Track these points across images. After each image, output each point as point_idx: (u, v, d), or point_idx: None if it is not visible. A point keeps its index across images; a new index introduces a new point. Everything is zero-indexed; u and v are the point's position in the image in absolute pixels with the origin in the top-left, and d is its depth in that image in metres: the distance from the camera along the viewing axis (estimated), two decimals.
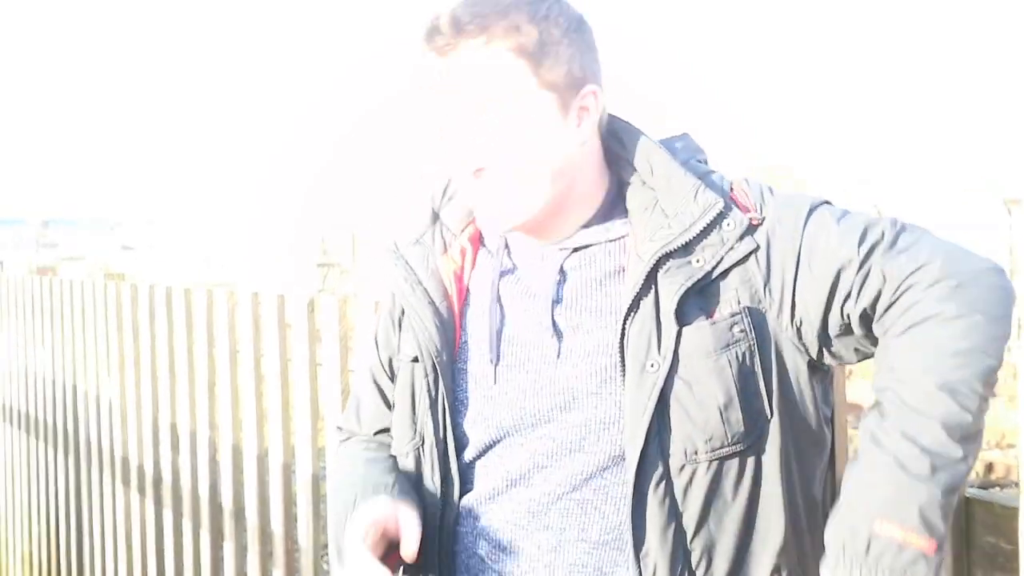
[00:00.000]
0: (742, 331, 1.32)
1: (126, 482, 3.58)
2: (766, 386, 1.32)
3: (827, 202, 1.36)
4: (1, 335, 4.77)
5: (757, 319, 1.32)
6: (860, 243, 1.29)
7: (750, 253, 1.33)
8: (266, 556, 2.83)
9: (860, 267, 1.28)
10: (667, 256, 1.32)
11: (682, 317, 1.32)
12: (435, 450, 1.43)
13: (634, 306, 1.33)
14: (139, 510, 3.49)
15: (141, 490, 3.47)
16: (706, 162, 1.46)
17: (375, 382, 1.61)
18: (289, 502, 2.73)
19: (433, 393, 1.43)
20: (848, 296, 1.29)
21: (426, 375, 1.44)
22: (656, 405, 1.30)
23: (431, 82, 1.35)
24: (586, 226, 1.40)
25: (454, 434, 1.42)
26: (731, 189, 1.37)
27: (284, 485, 2.72)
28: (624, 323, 1.33)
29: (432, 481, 1.43)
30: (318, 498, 2.60)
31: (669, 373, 1.31)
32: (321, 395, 2.54)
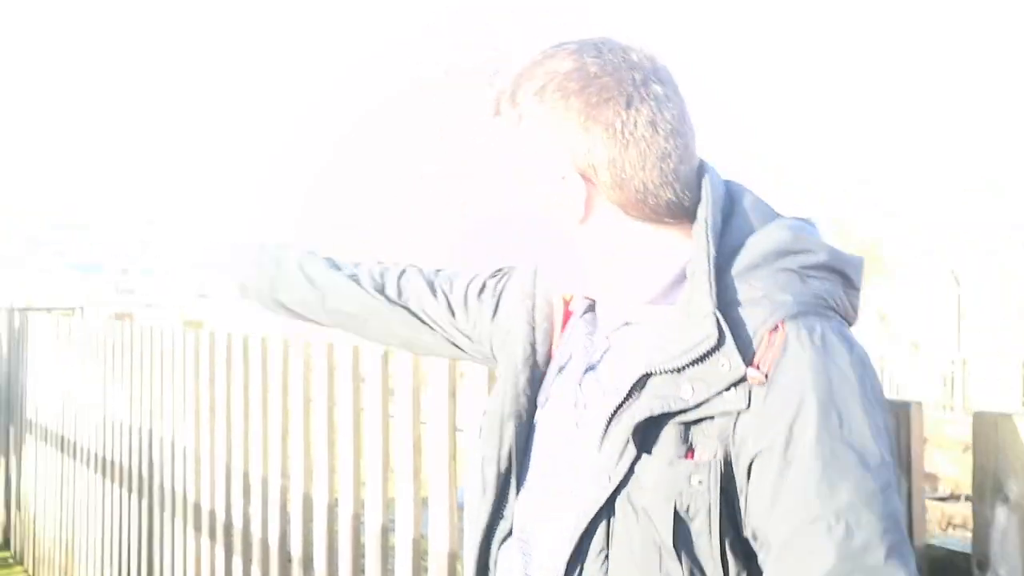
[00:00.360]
0: (702, 483, 1.16)
1: (197, 527, 3.63)
2: (723, 551, 1.17)
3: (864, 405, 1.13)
4: (79, 379, 4.89)
5: (730, 479, 1.17)
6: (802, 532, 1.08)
7: (737, 411, 1.16)
8: None
9: (780, 547, 1.11)
10: (651, 376, 1.20)
11: (646, 442, 1.20)
12: (497, 465, 1.40)
13: (621, 410, 1.23)
14: (209, 556, 3.53)
15: (212, 536, 3.51)
16: (823, 268, 1.23)
17: (437, 277, 1.69)
18: (357, 553, 2.74)
19: (509, 413, 1.40)
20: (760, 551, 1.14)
21: (508, 384, 1.42)
22: (602, 517, 1.21)
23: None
24: (652, 302, 1.29)
25: (519, 458, 1.39)
26: (775, 328, 1.16)
27: (353, 536, 2.74)
28: (608, 423, 1.24)
29: (493, 501, 1.41)
30: (387, 550, 2.61)
31: (618, 490, 1.20)
32: (392, 447, 2.56)
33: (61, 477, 5.19)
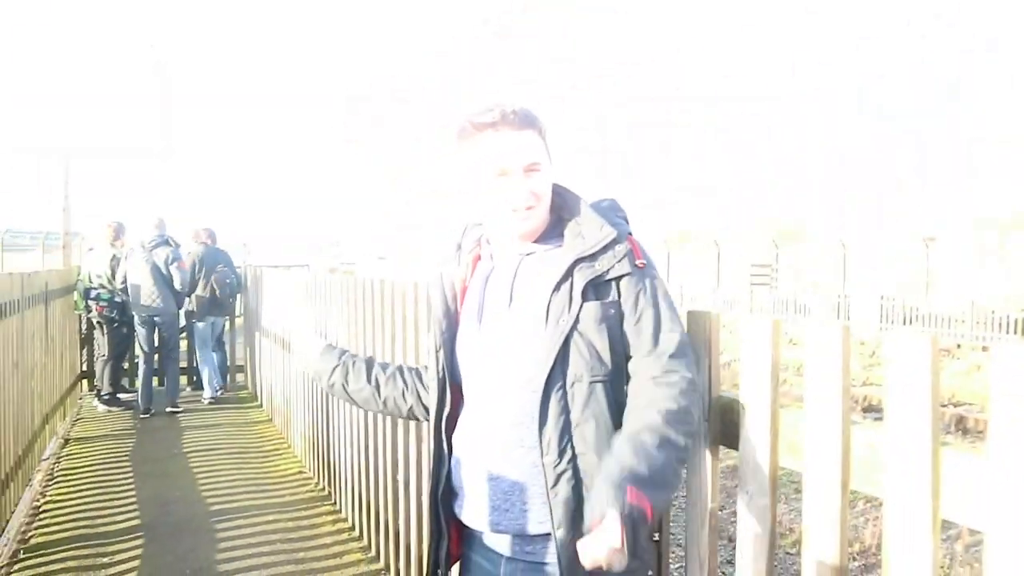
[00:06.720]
0: (615, 313, 2.04)
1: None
2: (622, 349, 2.04)
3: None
4: (309, 314, 6.63)
5: (621, 310, 2.05)
6: (660, 337, 2.02)
7: (625, 274, 2.04)
8: None
9: (652, 349, 2.03)
10: (579, 260, 2.05)
11: (584, 297, 2.04)
12: (438, 377, 2.27)
13: (557, 287, 2.06)
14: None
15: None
16: (625, 219, 2.17)
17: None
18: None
19: (438, 345, 2.26)
20: (637, 348, 2.06)
21: (438, 336, 2.27)
22: (561, 346, 2.02)
23: (502, 147, 2.11)
24: (537, 241, 2.18)
25: (448, 369, 2.25)
26: (629, 235, 2.09)
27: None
28: (550, 296, 2.06)
29: (438, 397, 2.28)
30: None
31: (571, 328, 2.02)
32: None
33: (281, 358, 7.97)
